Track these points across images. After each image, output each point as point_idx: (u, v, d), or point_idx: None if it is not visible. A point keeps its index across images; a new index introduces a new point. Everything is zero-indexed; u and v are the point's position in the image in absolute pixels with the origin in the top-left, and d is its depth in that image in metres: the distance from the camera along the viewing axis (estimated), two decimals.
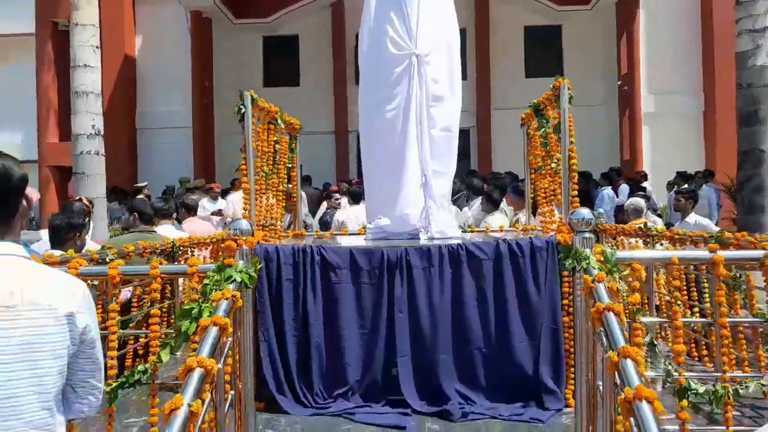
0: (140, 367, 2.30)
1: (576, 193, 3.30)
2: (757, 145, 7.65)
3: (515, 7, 16.03)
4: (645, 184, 10.33)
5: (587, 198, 9.55)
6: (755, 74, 7.63)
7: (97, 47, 7.98)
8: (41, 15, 9.46)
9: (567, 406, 3.05)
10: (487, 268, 3.20)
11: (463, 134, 15.65)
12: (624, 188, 9.02)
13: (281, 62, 16.38)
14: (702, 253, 2.42)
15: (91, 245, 3.64)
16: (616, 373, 1.77)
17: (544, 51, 16.19)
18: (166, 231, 4.38)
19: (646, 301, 3.47)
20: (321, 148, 15.54)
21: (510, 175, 8.24)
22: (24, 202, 1.60)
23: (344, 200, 7.76)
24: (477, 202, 6.61)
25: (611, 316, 1.95)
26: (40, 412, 1.43)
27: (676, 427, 2.14)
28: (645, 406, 1.59)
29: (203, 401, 1.76)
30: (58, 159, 9.40)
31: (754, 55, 7.64)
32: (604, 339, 1.96)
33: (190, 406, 1.68)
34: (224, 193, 10.02)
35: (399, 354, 3.16)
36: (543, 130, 3.76)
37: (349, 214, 6.77)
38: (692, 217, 5.89)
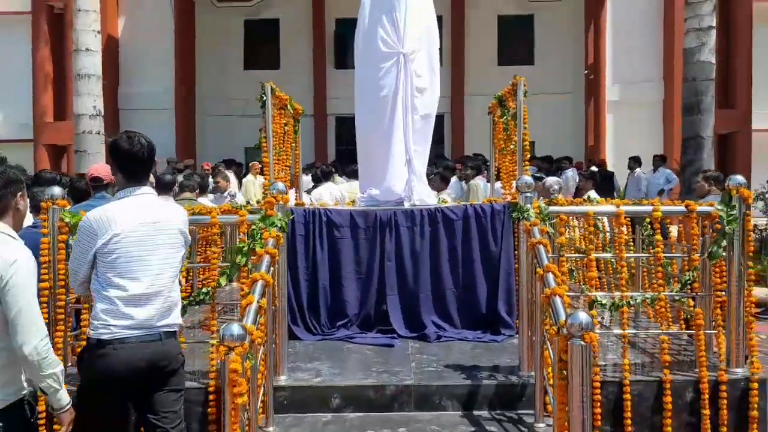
0: (204, 290, 3.17)
1: (527, 167, 4.25)
2: (699, 132, 8.76)
3: None
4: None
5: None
6: (699, 69, 8.71)
7: (98, 32, 8.64)
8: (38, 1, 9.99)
9: (517, 333, 4.02)
10: (457, 226, 4.15)
11: (438, 119, 16.60)
12: (570, 173, 10.10)
13: (262, 45, 17.04)
14: (609, 207, 3.41)
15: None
16: (540, 282, 2.73)
17: (516, 40, 17.17)
18: (203, 201, 5.29)
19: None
20: (300, 130, 16.28)
21: (479, 157, 9.19)
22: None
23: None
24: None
25: (541, 248, 2.91)
26: (173, 282, 2.55)
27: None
28: (557, 300, 2.54)
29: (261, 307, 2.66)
30: (53, 138, 9.98)
31: (699, 51, 8.71)
32: (537, 265, 2.91)
33: (258, 302, 2.59)
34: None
35: (388, 293, 4.10)
36: (504, 118, 4.69)
37: (321, 191, 7.54)
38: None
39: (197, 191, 5.50)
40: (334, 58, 17.33)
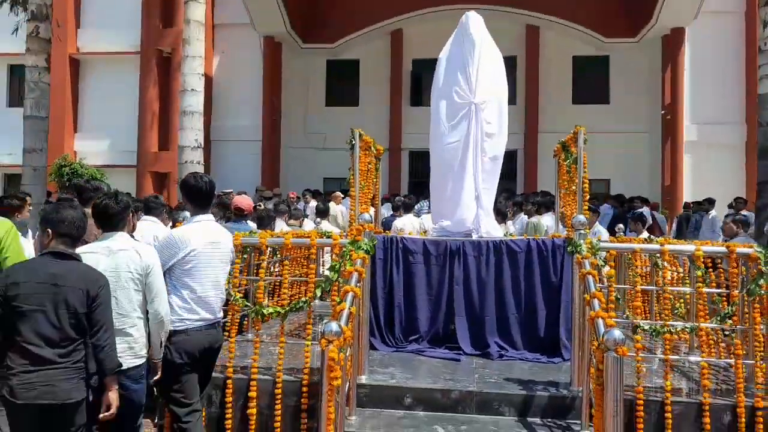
0: (303, 299, 3.87)
1: (587, 206, 4.73)
2: None
3: (564, 38, 17.41)
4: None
5: (623, 218, 10.83)
6: None
7: (201, 75, 9.85)
8: (147, 43, 11.45)
9: None
10: (521, 258, 4.68)
11: (510, 155, 17.30)
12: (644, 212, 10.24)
13: (343, 84, 18.24)
14: (655, 246, 3.85)
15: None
16: (587, 306, 3.24)
17: (591, 79, 17.49)
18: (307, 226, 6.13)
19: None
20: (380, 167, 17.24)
21: (544, 194, 9.58)
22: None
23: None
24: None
25: (589, 278, 3.41)
26: (224, 287, 3.47)
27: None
28: (600, 321, 3.04)
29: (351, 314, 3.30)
30: (157, 166, 11.29)
31: None
32: (585, 292, 3.41)
33: (349, 308, 3.24)
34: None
35: (456, 314, 4.67)
36: (567, 162, 5.21)
37: (405, 221, 8.23)
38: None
39: (301, 219, 6.29)
40: (410, 96, 18.26)
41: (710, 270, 4.08)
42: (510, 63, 17.44)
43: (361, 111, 18.13)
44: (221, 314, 3.51)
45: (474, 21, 5.41)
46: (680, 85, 16.02)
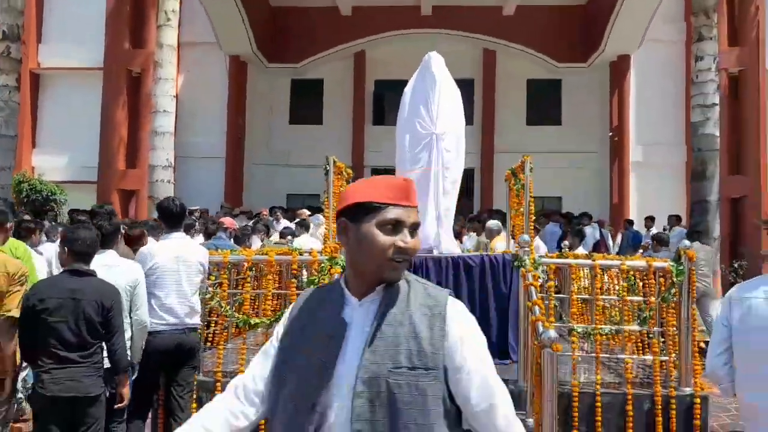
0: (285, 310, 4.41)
1: (532, 226, 5.43)
2: (705, 197, 9.82)
3: (519, 61, 18.47)
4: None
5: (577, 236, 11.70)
6: (704, 140, 9.86)
7: (173, 96, 10.28)
8: (116, 63, 11.80)
9: None
10: (476, 272, 5.33)
11: (468, 173, 18.11)
12: (588, 230, 11.13)
13: (307, 103, 18.82)
14: (586, 261, 4.55)
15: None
16: (529, 312, 3.90)
17: (544, 102, 18.58)
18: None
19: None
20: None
21: (499, 212, 10.32)
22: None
23: None
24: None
25: (531, 288, 4.08)
26: (194, 296, 4.11)
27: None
28: (539, 324, 3.70)
29: None
30: (123, 183, 11.60)
31: (703, 125, 9.88)
32: (528, 300, 4.08)
33: None
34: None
35: None
36: (516, 187, 5.92)
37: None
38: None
39: (288, 237, 6.83)
40: (372, 115, 18.98)
41: (641, 281, 4.81)
42: (468, 85, 18.61)
43: (325, 129, 18.75)
44: (191, 320, 4.11)
45: (436, 60, 6.11)
46: (626, 108, 17.23)
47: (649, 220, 12.05)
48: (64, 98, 17.65)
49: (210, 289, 4.38)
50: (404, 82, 18.18)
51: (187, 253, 4.10)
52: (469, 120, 19.62)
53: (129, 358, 3.60)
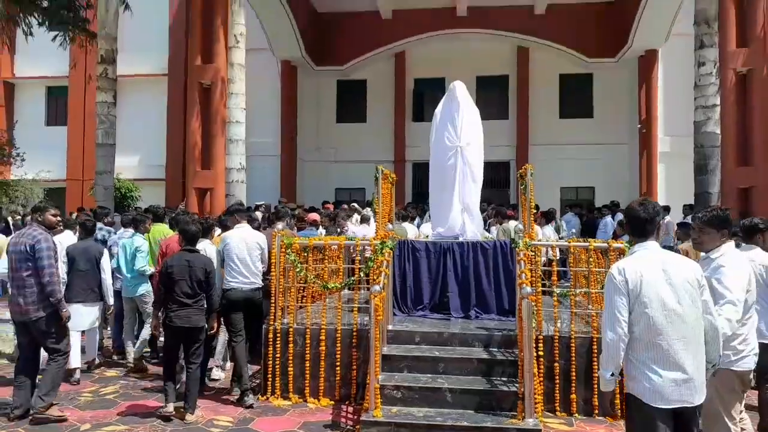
0: (352, 278, 6.47)
1: (533, 218, 7.35)
2: (707, 189, 11.45)
3: (552, 57, 20.10)
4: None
5: (591, 223, 13.45)
6: (705, 138, 11.47)
7: (244, 108, 12.50)
8: (193, 78, 14.14)
9: None
10: (490, 253, 7.31)
11: (505, 166, 19.89)
12: (608, 219, 12.84)
13: (352, 102, 20.97)
14: (563, 243, 6.45)
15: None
16: (518, 278, 5.88)
17: (576, 95, 20.17)
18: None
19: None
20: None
21: (515, 206, 12.09)
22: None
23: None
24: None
25: (521, 262, 6.06)
26: (257, 266, 6.52)
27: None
28: (524, 284, 5.67)
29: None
30: (199, 182, 13.96)
31: (705, 124, 11.48)
32: (522, 270, 6.05)
33: (384, 279, 5.90)
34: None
35: (449, 290, 7.29)
36: (523, 187, 7.82)
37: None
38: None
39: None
40: (412, 112, 20.95)
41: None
42: (503, 81, 20.40)
43: (369, 126, 20.87)
44: (252, 280, 6.36)
45: (459, 88, 8.05)
46: (654, 100, 18.68)
47: (664, 210, 13.65)
48: (132, 104, 20.31)
49: (299, 264, 6.47)
50: (442, 80, 21.20)
51: (249, 238, 6.42)
52: (504, 114, 21.65)
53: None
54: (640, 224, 3.28)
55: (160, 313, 5.87)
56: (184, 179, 16.62)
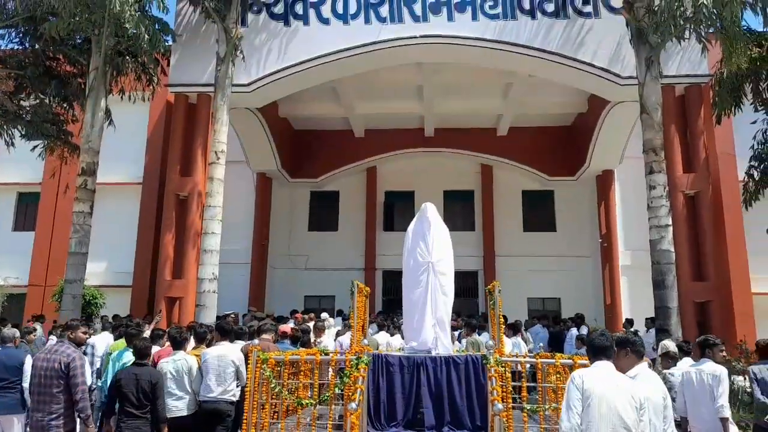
0: (327, 394, 6.59)
1: (503, 332, 7.68)
2: (666, 303, 12.01)
3: (514, 174, 21.32)
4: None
5: (559, 336, 13.80)
6: (661, 255, 12.18)
7: (220, 220, 12.88)
8: (170, 188, 14.62)
9: None
10: (462, 368, 7.54)
11: (473, 276, 20.40)
12: (573, 331, 13.27)
13: (324, 212, 21.65)
14: (529, 359, 6.77)
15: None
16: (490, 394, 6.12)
17: (538, 210, 21.24)
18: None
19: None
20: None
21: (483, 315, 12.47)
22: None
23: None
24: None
25: (494, 377, 6.31)
26: (232, 384, 6.78)
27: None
28: (495, 401, 5.91)
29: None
30: (170, 292, 14.03)
31: (660, 242, 12.24)
32: (494, 387, 6.29)
33: (359, 396, 6.06)
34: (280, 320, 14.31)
35: (423, 407, 7.42)
36: (491, 302, 8.23)
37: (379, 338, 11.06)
38: None
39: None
40: (383, 222, 21.66)
41: None
42: (468, 195, 21.39)
43: (341, 235, 21.41)
44: (225, 395, 6.65)
45: (430, 209, 8.62)
46: (613, 216, 19.76)
47: (628, 323, 14.17)
48: (104, 211, 20.53)
49: (273, 380, 6.60)
50: (412, 193, 22.14)
51: (225, 353, 6.78)
52: (470, 227, 22.43)
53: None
54: (599, 350, 4.08)
55: (112, 422, 6.20)
56: (151, 287, 16.63)
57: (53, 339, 8.74)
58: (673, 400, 5.30)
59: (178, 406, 6.53)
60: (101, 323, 11.97)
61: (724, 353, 7.18)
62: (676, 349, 7.35)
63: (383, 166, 21.65)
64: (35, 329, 12.13)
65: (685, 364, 8.28)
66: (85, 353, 7.94)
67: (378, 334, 10.73)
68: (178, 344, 6.88)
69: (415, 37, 14.18)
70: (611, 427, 3.71)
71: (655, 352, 13.94)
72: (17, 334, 7.79)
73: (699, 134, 14.15)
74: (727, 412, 5.74)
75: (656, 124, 12.35)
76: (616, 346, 4.43)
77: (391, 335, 10.88)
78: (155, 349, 7.35)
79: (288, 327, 8.63)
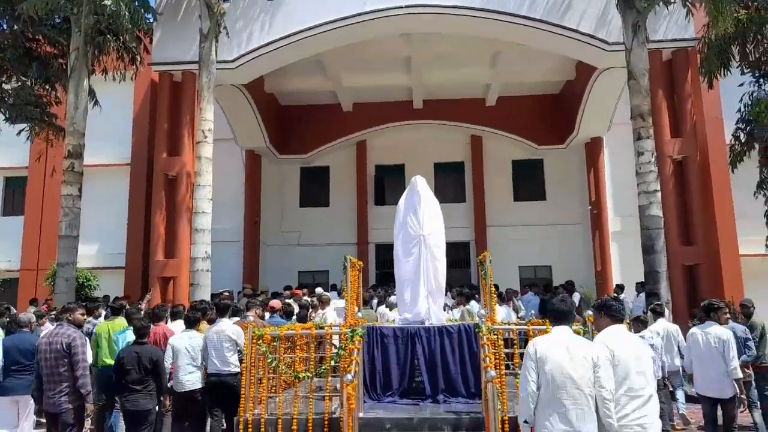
0: (324, 367, 6.71)
1: (495, 299, 7.81)
2: (655, 268, 12.20)
3: (504, 144, 21.35)
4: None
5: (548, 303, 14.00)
6: (650, 221, 12.34)
7: (210, 199, 12.87)
8: (158, 169, 14.57)
9: None
10: (455, 337, 7.68)
11: (464, 246, 20.56)
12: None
13: (315, 187, 21.63)
14: (512, 326, 6.91)
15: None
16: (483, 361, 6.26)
17: (528, 180, 21.33)
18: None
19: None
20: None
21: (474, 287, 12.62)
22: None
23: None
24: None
25: (485, 346, 6.45)
26: (230, 354, 7.29)
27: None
28: (488, 368, 6.04)
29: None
30: (164, 272, 14.07)
31: (648, 208, 12.38)
32: (486, 354, 6.43)
33: (355, 368, 6.18)
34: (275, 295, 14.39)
35: (418, 375, 7.57)
36: (483, 272, 8.33)
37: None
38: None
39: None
40: (374, 197, 21.69)
41: None
42: (458, 167, 21.42)
43: (332, 210, 21.45)
44: (226, 368, 7.13)
45: (420, 182, 8.67)
46: (602, 184, 19.89)
47: (618, 288, 14.39)
48: (94, 192, 20.42)
49: (270, 355, 6.69)
50: (402, 166, 22.18)
51: (224, 329, 7.27)
52: (461, 198, 22.53)
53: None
54: (558, 315, 4.36)
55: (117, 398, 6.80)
56: (144, 267, 16.67)
57: (48, 325, 8.82)
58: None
59: (191, 380, 7.13)
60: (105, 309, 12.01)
61: (728, 315, 7.52)
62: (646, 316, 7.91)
63: (373, 140, 21.60)
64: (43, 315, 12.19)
65: (659, 325, 8.56)
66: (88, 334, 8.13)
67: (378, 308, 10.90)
68: (191, 323, 7.46)
69: (401, 7, 14.05)
70: (564, 389, 3.97)
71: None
72: (33, 319, 7.99)
73: (686, 99, 14.19)
74: (740, 373, 6.41)
75: (644, 89, 12.38)
76: (595, 309, 4.73)
77: (390, 309, 11.02)
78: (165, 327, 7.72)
79: (277, 302, 8.83)
